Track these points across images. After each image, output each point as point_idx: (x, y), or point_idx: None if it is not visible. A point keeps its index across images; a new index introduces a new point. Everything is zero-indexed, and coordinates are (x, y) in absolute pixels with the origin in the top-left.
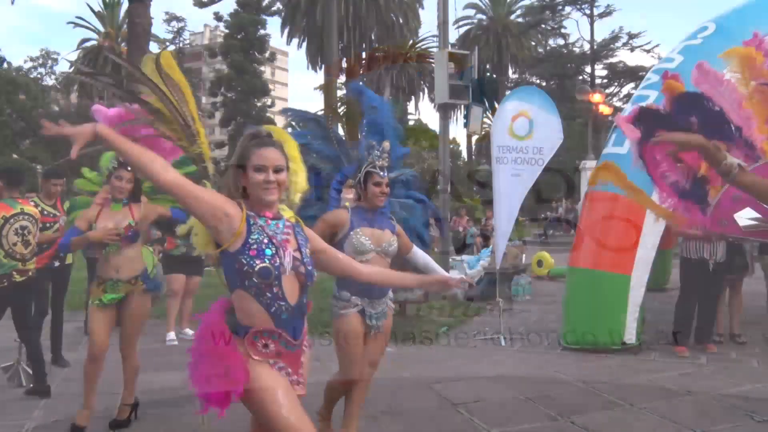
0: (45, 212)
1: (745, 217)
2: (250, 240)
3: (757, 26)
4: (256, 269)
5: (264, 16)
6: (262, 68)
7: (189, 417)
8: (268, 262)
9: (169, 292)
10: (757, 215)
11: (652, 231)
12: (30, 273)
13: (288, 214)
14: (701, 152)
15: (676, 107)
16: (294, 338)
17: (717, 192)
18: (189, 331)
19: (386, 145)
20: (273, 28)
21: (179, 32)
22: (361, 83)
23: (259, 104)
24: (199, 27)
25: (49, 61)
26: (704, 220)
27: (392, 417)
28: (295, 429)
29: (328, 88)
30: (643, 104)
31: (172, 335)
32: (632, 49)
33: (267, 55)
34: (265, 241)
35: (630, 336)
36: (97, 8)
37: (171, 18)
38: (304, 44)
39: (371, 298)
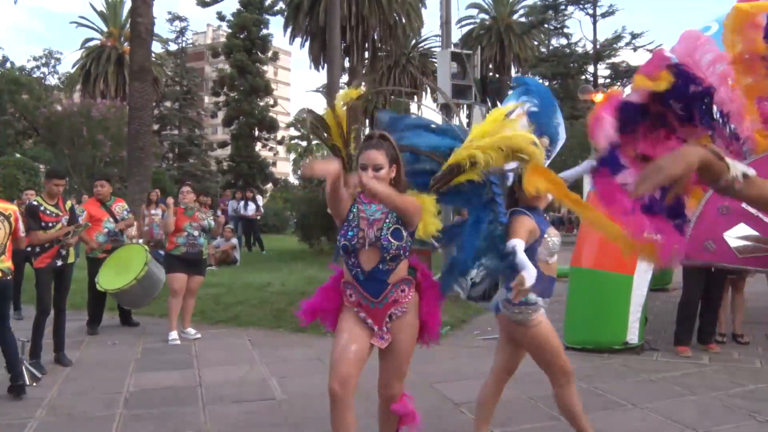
0: (47, 212)
1: (739, 236)
2: (344, 224)
3: None
4: (340, 245)
5: (266, 16)
6: (265, 68)
7: (191, 416)
8: (347, 240)
9: (170, 292)
10: (754, 232)
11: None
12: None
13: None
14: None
15: (652, 95)
16: (372, 296)
17: (697, 202)
18: (191, 331)
19: (545, 141)
20: (275, 27)
21: (182, 32)
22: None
23: (261, 104)
24: (201, 27)
25: (52, 61)
26: (682, 244)
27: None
28: (332, 364)
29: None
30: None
31: (174, 335)
32: (635, 49)
33: (269, 54)
34: (354, 223)
35: (632, 336)
36: (100, 8)
37: (174, 18)
38: (307, 44)
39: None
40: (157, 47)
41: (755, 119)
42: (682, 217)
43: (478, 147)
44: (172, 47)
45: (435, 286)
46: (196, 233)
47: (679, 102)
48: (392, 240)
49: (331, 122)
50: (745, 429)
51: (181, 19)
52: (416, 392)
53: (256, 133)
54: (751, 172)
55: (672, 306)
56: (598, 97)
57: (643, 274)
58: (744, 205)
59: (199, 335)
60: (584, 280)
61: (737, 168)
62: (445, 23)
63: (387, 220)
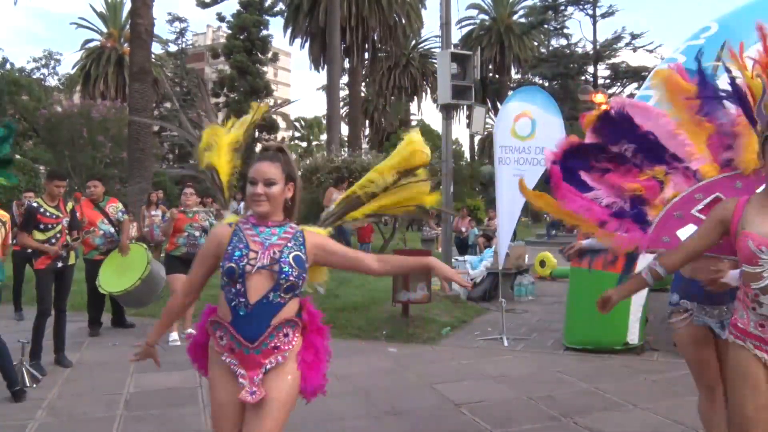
0: (48, 213)
1: (687, 232)
2: (228, 248)
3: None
4: (224, 268)
5: (266, 17)
6: (265, 69)
7: (191, 417)
8: (233, 262)
9: (171, 293)
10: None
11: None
12: None
13: (309, 229)
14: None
15: (606, 134)
16: (247, 339)
17: (658, 211)
18: (192, 332)
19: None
20: (275, 28)
21: (182, 33)
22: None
23: (262, 104)
24: (201, 28)
25: (52, 62)
26: (643, 238)
27: (395, 417)
28: None
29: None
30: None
31: (174, 335)
32: (635, 50)
33: (269, 55)
34: (240, 245)
35: (633, 336)
36: (99, 9)
37: (173, 19)
38: (307, 45)
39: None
40: (157, 48)
41: (705, 155)
42: (645, 222)
43: (374, 171)
44: (172, 48)
45: (322, 331)
46: (197, 234)
47: (629, 143)
48: (293, 265)
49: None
50: None
51: (180, 20)
52: (416, 393)
53: (256, 134)
54: (659, 268)
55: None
56: (599, 97)
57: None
58: (692, 212)
59: None
60: (585, 280)
61: (653, 270)
62: (445, 24)
63: (289, 245)
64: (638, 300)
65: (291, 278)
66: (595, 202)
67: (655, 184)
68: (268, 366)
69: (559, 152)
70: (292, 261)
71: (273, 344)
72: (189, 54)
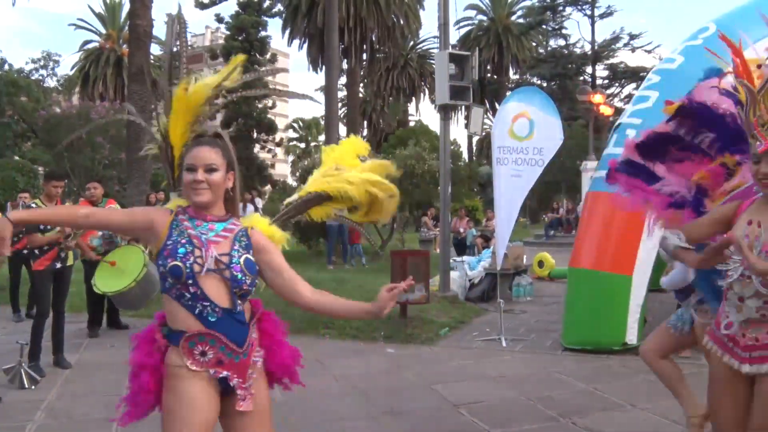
0: None
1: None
2: (167, 242)
3: (756, 27)
4: (167, 268)
5: (265, 18)
6: (263, 70)
7: None
8: (179, 260)
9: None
10: None
11: (653, 231)
12: None
13: (251, 222)
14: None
15: (688, 124)
16: (238, 345)
17: (716, 203)
18: None
19: None
20: (274, 29)
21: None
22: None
23: (260, 106)
24: (200, 29)
25: (51, 63)
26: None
27: (393, 417)
28: None
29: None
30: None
31: None
32: (633, 50)
33: (268, 56)
34: (183, 240)
35: (631, 337)
36: (98, 10)
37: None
38: (305, 46)
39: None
40: (155, 49)
41: None
42: (701, 213)
43: (349, 181)
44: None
45: (270, 316)
46: None
47: (709, 132)
48: (246, 271)
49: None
50: None
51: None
52: (415, 393)
53: (255, 135)
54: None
55: (671, 306)
56: (597, 98)
57: (641, 275)
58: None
59: None
60: (583, 280)
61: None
62: (443, 24)
63: (235, 246)
64: (636, 300)
65: (245, 287)
66: (654, 192)
67: (720, 171)
68: (251, 368)
69: (632, 147)
70: (243, 266)
71: (251, 341)
72: (188, 55)
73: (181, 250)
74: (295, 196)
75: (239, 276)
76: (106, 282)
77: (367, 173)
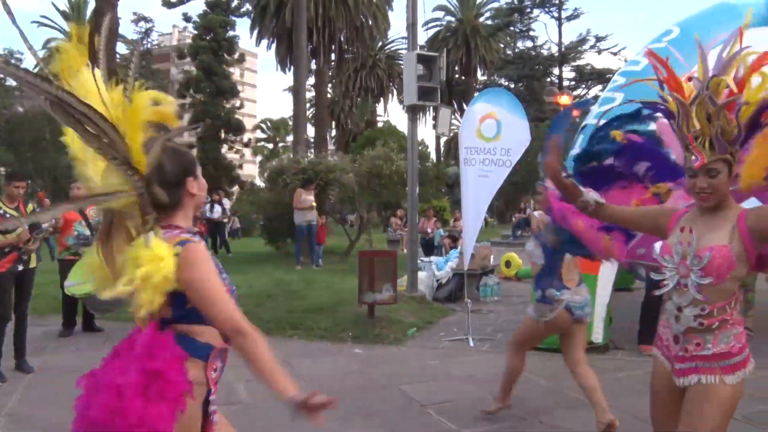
0: (7, 215)
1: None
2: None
3: (719, 31)
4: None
5: (233, 18)
6: (231, 70)
7: None
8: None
9: None
10: None
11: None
12: None
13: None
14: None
15: (628, 155)
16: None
17: None
18: None
19: None
20: (242, 29)
21: (147, 33)
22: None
23: (228, 106)
24: (167, 28)
25: (13, 61)
26: (623, 249)
27: (362, 418)
28: None
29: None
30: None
31: None
32: (599, 52)
33: (236, 56)
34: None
35: (597, 336)
36: (62, 7)
37: (139, 18)
38: (273, 46)
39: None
40: (121, 48)
41: None
42: (632, 236)
43: None
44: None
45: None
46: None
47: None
48: None
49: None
50: None
51: (146, 20)
52: (383, 394)
53: (222, 135)
54: (601, 200)
55: (636, 306)
56: (564, 99)
57: (607, 274)
58: None
59: None
60: None
61: (590, 196)
62: (412, 25)
63: None
64: (602, 299)
65: None
66: (583, 216)
67: (652, 200)
68: None
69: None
70: None
71: None
72: (154, 54)
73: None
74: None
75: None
76: (79, 284)
77: None
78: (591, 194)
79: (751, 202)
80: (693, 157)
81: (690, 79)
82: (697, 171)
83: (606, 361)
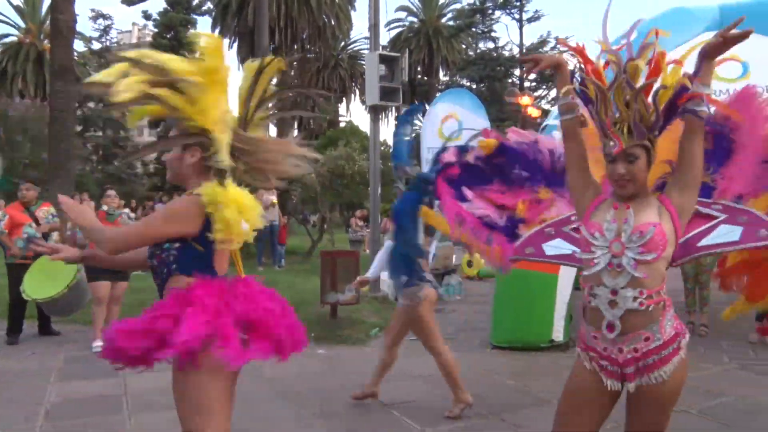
0: None
1: (554, 246)
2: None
3: (676, 34)
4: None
5: (194, 16)
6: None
7: (117, 425)
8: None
9: (94, 300)
10: (568, 245)
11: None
12: None
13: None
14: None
15: (503, 159)
16: None
17: (530, 229)
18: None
19: None
20: (203, 28)
21: (106, 30)
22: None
23: None
24: (127, 25)
25: None
26: (509, 248)
27: (325, 419)
28: None
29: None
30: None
31: (99, 342)
32: (560, 53)
33: (197, 55)
34: None
35: (558, 334)
36: (16, 2)
37: (97, 15)
38: (235, 45)
39: None
40: (79, 45)
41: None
42: (515, 237)
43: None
44: (96, 46)
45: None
46: None
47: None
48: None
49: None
50: None
51: (105, 17)
52: (346, 394)
53: None
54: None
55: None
56: (524, 99)
57: (568, 273)
58: (564, 228)
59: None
60: (510, 279)
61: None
62: (374, 26)
63: None
64: (563, 298)
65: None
66: (468, 213)
67: (537, 206)
68: None
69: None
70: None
71: None
72: (114, 52)
73: None
74: None
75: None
76: (35, 288)
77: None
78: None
79: None
80: (611, 143)
81: (608, 64)
82: (616, 157)
83: (567, 358)
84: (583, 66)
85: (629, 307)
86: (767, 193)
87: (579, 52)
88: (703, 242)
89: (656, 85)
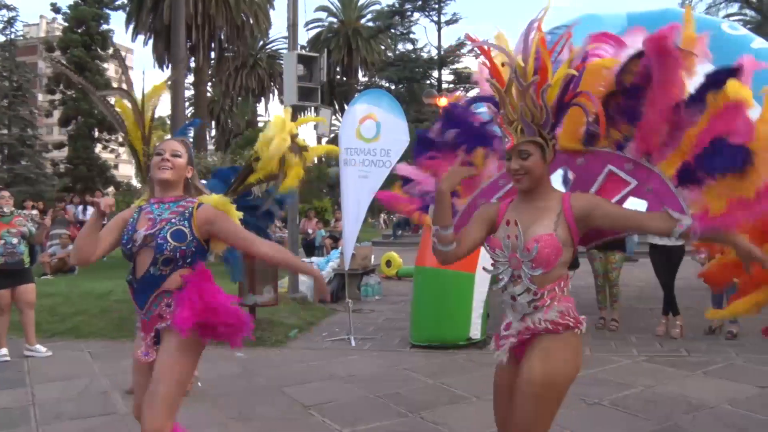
0: None
1: None
2: (125, 231)
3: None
4: (123, 252)
5: (107, 11)
6: (105, 65)
7: None
8: (123, 245)
9: None
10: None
11: None
12: None
13: (206, 199)
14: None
15: (445, 125)
16: (140, 307)
17: (463, 202)
18: (41, 348)
19: None
20: (117, 23)
21: (10, 22)
22: None
23: None
24: (34, 18)
25: None
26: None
27: (243, 423)
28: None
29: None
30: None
31: (4, 351)
32: (477, 56)
33: (110, 51)
34: (129, 229)
35: (475, 331)
36: None
37: (0, 6)
38: (151, 42)
39: None
40: None
41: None
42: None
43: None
44: (0, 39)
45: (206, 276)
46: (14, 241)
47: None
48: (169, 239)
49: (128, 117)
50: (576, 411)
51: (9, 8)
52: (265, 397)
53: (96, 134)
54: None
55: None
56: (442, 101)
57: (484, 272)
58: (493, 199)
59: (50, 352)
60: (428, 279)
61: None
62: (292, 25)
63: (173, 220)
64: (480, 296)
65: (166, 252)
66: (402, 196)
67: (471, 180)
68: (158, 329)
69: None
70: (169, 236)
71: (157, 312)
72: (20, 46)
73: (125, 238)
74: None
75: (161, 243)
76: None
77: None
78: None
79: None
80: (506, 140)
81: (503, 65)
82: (510, 153)
83: (484, 356)
84: (488, 66)
85: (525, 312)
86: (675, 154)
87: (484, 52)
88: None
89: (544, 83)
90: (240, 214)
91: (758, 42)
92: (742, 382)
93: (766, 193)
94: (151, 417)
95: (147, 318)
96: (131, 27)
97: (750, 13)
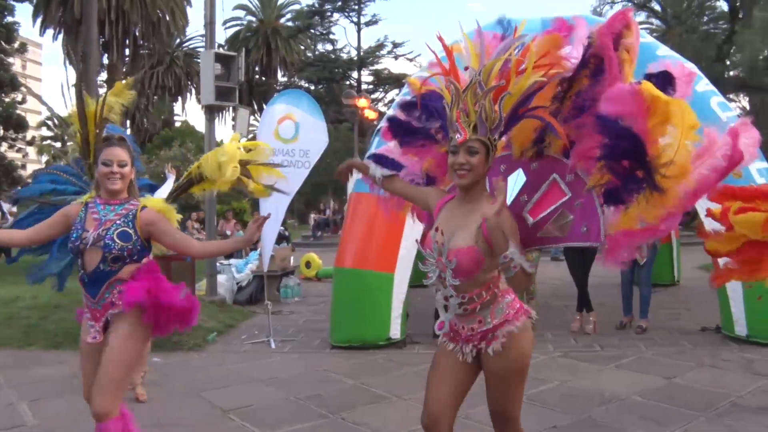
0: None
1: None
2: (72, 229)
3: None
4: (69, 247)
5: (11, 2)
6: (11, 60)
7: None
8: (72, 242)
9: None
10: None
11: (412, 231)
12: None
13: (149, 202)
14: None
15: (421, 111)
16: (92, 297)
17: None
18: None
19: None
20: (23, 16)
21: None
22: None
23: (7, 100)
24: None
25: None
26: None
27: (161, 430)
28: None
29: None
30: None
31: None
32: (396, 57)
33: (16, 45)
34: (79, 227)
35: (395, 332)
36: None
37: None
38: (60, 36)
39: None
40: None
41: None
42: None
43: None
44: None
45: (153, 267)
46: None
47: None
48: (116, 240)
49: (75, 120)
50: None
51: None
52: (183, 402)
53: (2, 132)
54: (388, 173)
55: (431, 301)
56: (361, 102)
57: (403, 272)
58: None
59: None
60: (347, 279)
61: (377, 171)
62: (210, 23)
63: (118, 222)
64: (399, 296)
65: (114, 251)
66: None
67: (444, 159)
68: (108, 317)
69: (386, 131)
70: (116, 237)
71: (110, 300)
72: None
73: (74, 235)
74: (181, 179)
75: (109, 243)
76: None
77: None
78: (378, 170)
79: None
80: (457, 134)
81: (466, 68)
82: (459, 147)
83: (404, 355)
84: (447, 67)
85: (457, 312)
86: (599, 168)
87: (449, 53)
88: (541, 232)
89: (504, 90)
90: (179, 217)
91: (663, 50)
92: (652, 374)
93: (665, 220)
94: (101, 399)
95: (99, 307)
96: (39, 20)
97: (656, 22)
